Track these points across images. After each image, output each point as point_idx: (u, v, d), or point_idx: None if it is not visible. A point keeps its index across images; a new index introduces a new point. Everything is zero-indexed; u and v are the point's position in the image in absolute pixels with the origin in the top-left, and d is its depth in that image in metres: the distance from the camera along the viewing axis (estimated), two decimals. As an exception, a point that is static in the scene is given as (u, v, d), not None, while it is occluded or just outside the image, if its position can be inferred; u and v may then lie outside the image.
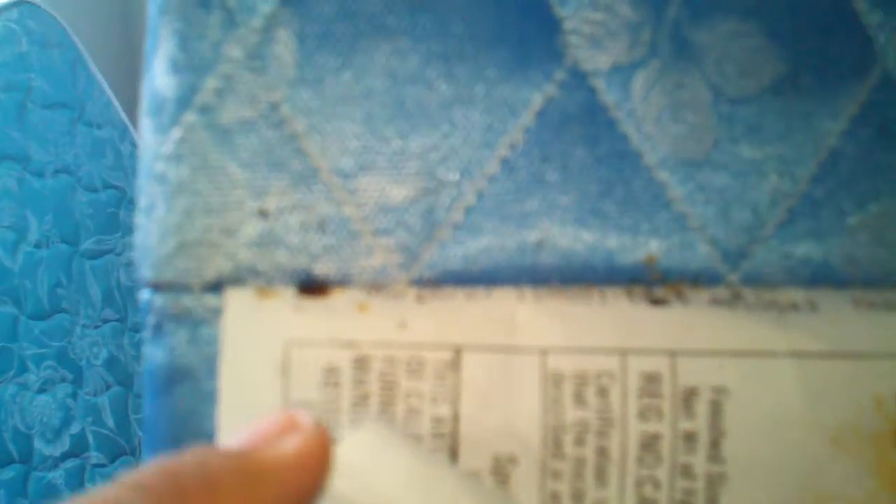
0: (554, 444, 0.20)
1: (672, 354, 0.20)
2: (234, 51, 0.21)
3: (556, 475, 0.20)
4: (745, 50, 0.21)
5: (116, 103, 1.11)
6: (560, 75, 0.21)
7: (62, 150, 1.01)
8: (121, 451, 0.97)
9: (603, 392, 0.20)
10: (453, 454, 0.20)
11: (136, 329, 1.05)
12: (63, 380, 0.94)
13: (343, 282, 0.21)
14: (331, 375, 0.20)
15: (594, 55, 0.21)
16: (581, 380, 0.20)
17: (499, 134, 0.21)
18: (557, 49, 0.21)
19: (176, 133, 0.20)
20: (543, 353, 0.20)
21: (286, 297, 0.20)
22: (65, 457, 0.91)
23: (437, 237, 0.21)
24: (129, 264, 1.07)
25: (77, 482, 0.90)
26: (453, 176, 0.21)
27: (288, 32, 0.21)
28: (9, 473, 0.84)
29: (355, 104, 0.21)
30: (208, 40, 0.21)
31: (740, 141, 0.21)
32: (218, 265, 0.20)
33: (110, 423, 0.98)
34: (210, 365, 0.20)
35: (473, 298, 0.20)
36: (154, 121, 0.21)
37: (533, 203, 0.21)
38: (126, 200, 1.08)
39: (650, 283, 0.21)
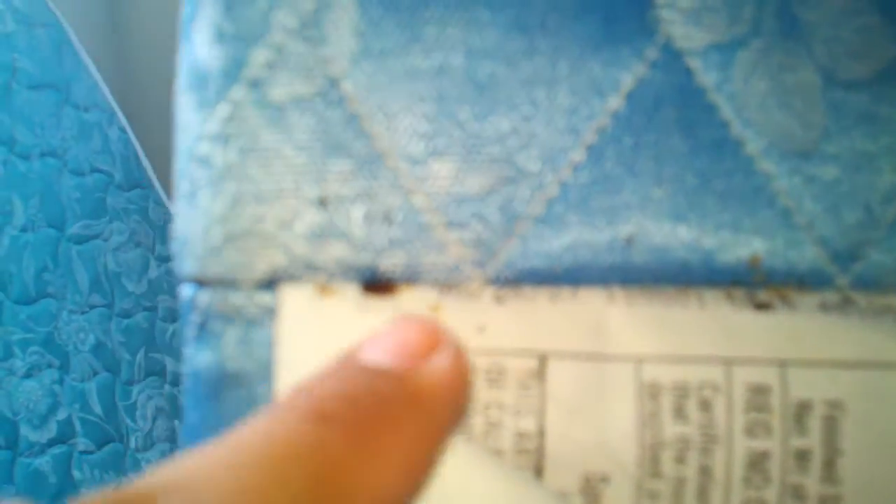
0: (651, 463, 0.18)
1: (782, 364, 0.18)
2: (287, 18, 0.18)
3: (654, 496, 0.18)
4: (857, 30, 0.19)
5: (103, 86, 1.08)
6: (652, 53, 0.18)
7: (48, 133, 0.98)
8: (108, 438, 0.96)
9: (706, 405, 0.18)
10: (538, 472, 0.18)
11: (124, 315, 1.03)
12: (50, 365, 0.92)
13: (412, 279, 0.18)
14: None
15: (690, 32, 0.19)
16: (681, 392, 0.18)
17: (585, 118, 0.18)
18: (649, 24, 0.19)
19: (222, 110, 0.18)
20: (638, 361, 0.18)
21: (349, 295, 0.18)
22: (52, 443, 0.89)
23: (517, 232, 0.18)
24: (117, 250, 1.04)
25: (64, 469, 0.89)
26: (534, 164, 0.18)
27: None
28: (-5, 459, 0.82)
29: (425, 81, 0.18)
30: (257, 6, 0.18)
31: (852, 130, 0.19)
32: (271, 259, 0.18)
33: (97, 409, 0.97)
34: (263, 369, 0.18)
35: (558, 300, 0.18)
36: (195, 97, 0.18)
37: (623, 195, 0.18)
38: (113, 185, 1.06)
39: (752, 285, 0.18)
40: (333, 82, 0.18)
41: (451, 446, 0.17)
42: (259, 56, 0.18)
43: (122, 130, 1.11)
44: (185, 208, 0.18)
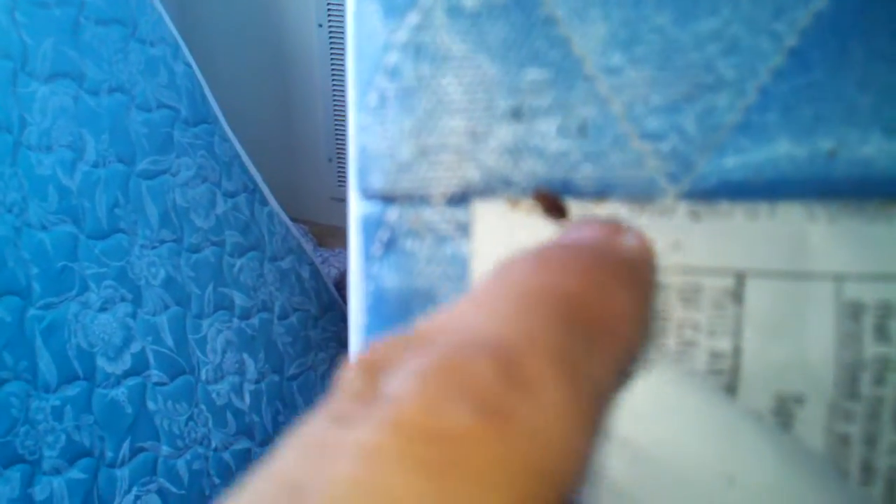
0: (849, 383, 0.17)
1: None
2: None
3: (848, 416, 0.17)
4: None
5: (168, 20, 1.08)
6: None
7: (116, 69, 0.99)
8: (180, 370, 0.98)
9: None
10: (731, 392, 0.17)
11: (193, 250, 1.04)
12: (123, 299, 0.94)
13: (604, 193, 0.18)
14: None
15: None
16: (884, 311, 0.17)
17: (788, 21, 0.17)
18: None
19: (412, 18, 0.17)
20: (839, 279, 0.17)
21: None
22: (126, 374, 0.92)
23: (714, 143, 0.18)
24: (185, 185, 1.05)
25: (139, 399, 0.91)
26: (734, 70, 0.17)
27: None
28: (74, 390, 0.85)
29: None
30: None
31: None
32: (465, 174, 0.18)
33: (169, 342, 0.99)
34: (455, 286, 0.18)
35: (756, 217, 0.18)
36: (382, 4, 0.18)
37: (826, 103, 0.17)
38: (180, 120, 1.07)
39: None
40: None
41: (656, 371, 0.17)
42: None
43: (187, 65, 1.11)
44: (371, 122, 0.18)
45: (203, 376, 1.04)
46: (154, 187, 1.02)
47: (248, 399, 1.08)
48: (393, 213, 0.18)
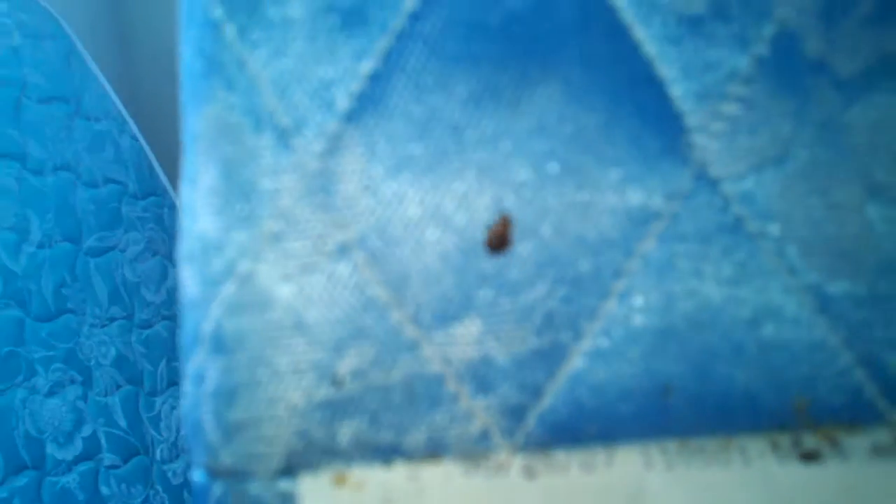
0: None
1: None
2: (289, 181, 0.17)
3: None
4: None
5: (113, 95, 1.08)
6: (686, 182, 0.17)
7: (61, 146, 0.98)
8: (134, 451, 0.96)
9: None
10: None
11: (144, 326, 1.03)
12: (72, 381, 0.92)
13: (436, 454, 0.17)
14: None
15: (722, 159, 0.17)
16: None
17: (613, 276, 0.17)
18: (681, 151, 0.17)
19: (228, 289, 0.17)
20: None
21: (368, 483, 0.17)
22: (78, 460, 0.90)
23: (549, 390, 0.17)
24: (134, 260, 1.04)
25: (91, 485, 0.89)
26: (567, 313, 0.17)
27: (355, 155, 0.17)
28: (22, 480, 0.83)
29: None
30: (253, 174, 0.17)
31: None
32: (287, 445, 0.17)
33: (122, 423, 0.97)
34: None
35: (593, 469, 0.17)
36: (198, 272, 0.17)
37: (661, 346, 0.17)
38: (127, 195, 1.06)
39: (798, 428, 0.17)
40: (344, 248, 0.17)
41: None
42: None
43: (134, 139, 1.10)
44: (191, 391, 0.17)
45: (158, 456, 1.02)
46: (102, 264, 1.01)
47: (204, 476, 1.06)
48: (218, 489, 0.17)
